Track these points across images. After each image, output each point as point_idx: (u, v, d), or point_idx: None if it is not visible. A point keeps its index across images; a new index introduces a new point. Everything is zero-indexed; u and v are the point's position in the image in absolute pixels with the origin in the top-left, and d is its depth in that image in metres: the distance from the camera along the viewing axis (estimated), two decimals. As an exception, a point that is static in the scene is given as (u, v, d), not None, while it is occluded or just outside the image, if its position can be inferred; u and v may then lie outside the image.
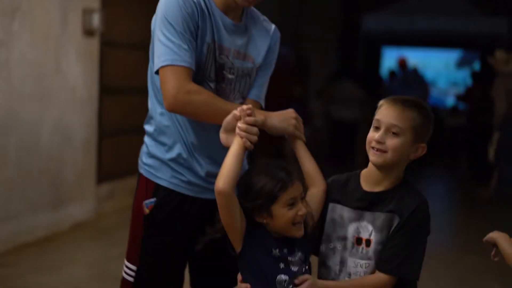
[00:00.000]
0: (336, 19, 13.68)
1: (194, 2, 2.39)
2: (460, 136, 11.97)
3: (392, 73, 13.47)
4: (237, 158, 2.14)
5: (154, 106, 2.52)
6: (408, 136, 2.22)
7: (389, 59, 15.95)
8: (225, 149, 2.22)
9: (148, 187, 2.50)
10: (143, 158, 2.56)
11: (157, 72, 2.38)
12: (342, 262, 2.29)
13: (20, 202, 5.50)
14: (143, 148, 2.58)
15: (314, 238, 2.32)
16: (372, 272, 2.25)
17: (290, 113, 2.40)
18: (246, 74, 2.54)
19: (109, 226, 6.45)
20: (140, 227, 2.51)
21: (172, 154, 2.47)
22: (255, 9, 2.63)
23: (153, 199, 2.48)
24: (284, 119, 2.36)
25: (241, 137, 2.16)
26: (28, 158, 5.57)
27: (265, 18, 2.66)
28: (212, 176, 2.38)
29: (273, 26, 2.66)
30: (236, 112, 2.19)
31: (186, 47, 2.34)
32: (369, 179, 2.31)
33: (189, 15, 2.37)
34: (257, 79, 2.60)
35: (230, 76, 2.48)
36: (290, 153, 2.43)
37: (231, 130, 2.21)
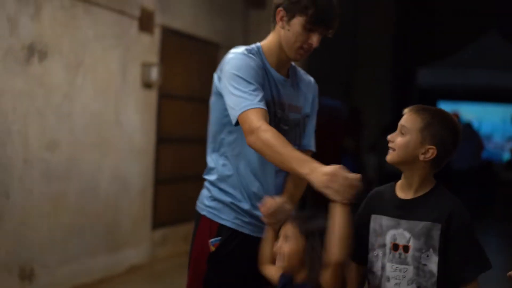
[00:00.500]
0: (390, 72, 13.87)
1: (256, 60, 2.66)
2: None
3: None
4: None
5: (216, 158, 2.76)
6: (414, 136, 2.40)
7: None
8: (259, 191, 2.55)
9: (212, 227, 2.71)
10: (205, 202, 2.76)
11: (236, 124, 2.56)
12: (383, 267, 2.46)
13: (78, 246, 5.79)
14: (204, 193, 2.79)
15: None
16: (410, 278, 2.40)
17: (334, 173, 2.27)
18: (296, 125, 2.78)
19: (163, 270, 6.69)
20: (203, 264, 2.70)
21: (234, 200, 2.71)
22: (295, 64, 2.87)
23: (218, 238, 2.69)
24: (323, 180, 2.27)
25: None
26: (87, 203, 5.88)
27: (304, 71, 2.91)
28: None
29: (311, 78, 2.91)
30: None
31: (256, 92, 2.54)
32: (402, 187, 2.49)
33: (257, 67, 2.63)
34: (307, 129, 2.85)
35: (285, 127, 2.71)
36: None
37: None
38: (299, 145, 2.80)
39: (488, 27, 13.70)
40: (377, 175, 11.97)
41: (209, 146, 2.80)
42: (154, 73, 6.58)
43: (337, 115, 11.84)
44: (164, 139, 7.05)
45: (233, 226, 2.70)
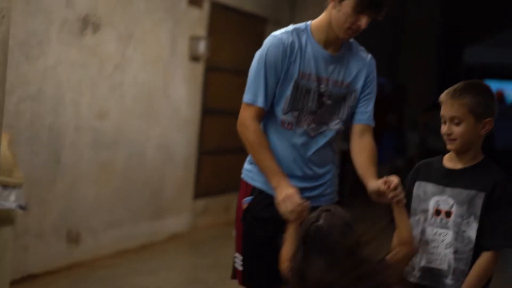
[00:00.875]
0: (436, 49, 13.80)
1: (284, 44, 2.86)
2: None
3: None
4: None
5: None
6: (469, 120, 2.57)
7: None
8: (306, 169, 2.89)
9: (247, 188, 2.97)
10: (245, 165, 3.03)
11: None
12: (423, 231, 2.64)
13: (123, 212, 6.02)
14: (247, 158, 3.04)
15: None
16: (449, 242, 2.58)
17: (288, 197, 2.75)
18: (341, 99, 2.94)
19: (203, 239, 6.90)
20: (239, 221, 2.97)
21: None
22: (353, 40, 3.01)
23: (250, 197, 2.94)
24: (280, 198, 2.76)
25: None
26: (133, 171, 6.09)
27: (362, 47, 3.05)
28: (302, 189, 2.85)
29: (369, 55, 3.04)
30: None
31: (263, 88, 2.87)
32: (450, 159, 2.69)
33: (279, 55, 2.86)
34: (362, 104, 2.99)
35: (328, 101, 2.91)
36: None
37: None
38: (343, 120, 2.95)
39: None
40: (418, 153, 12.01)
41: None
42: (202, 47, 6.73)
43: (381, 91, 11.89)
44: (209, 111, 7.21)
45: (263, 188, 2.92)
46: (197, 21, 6.79)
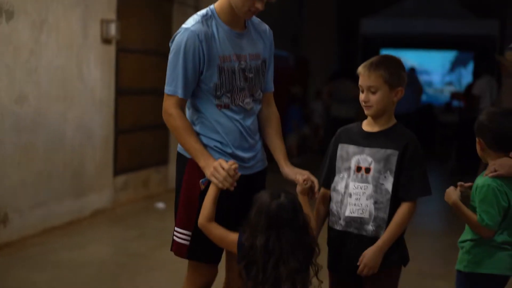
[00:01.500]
0: (334, 22, 14.40)
1: (199, 36, 2.99)
2: (452, 131, 12.62)
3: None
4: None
5: (193, 112, 3.15)
6: (384, 89, 2.97)
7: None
8: (249, 139, 3.12)
9: (200, 169, 3.02)
10: None
11: None
12: (346, 186, 3.04)
13: (47, 191, 6.26)
14: None
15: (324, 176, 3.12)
16: (369, 194, 2.98)
17: (216, 167, 2.90)
18: (258, 70, 3.17)
19: (125, 213, 7.21)
20: (195, 202, 3.05)
21: (218, 144, 3.09)
22: None
23: (206, 178, 3.00)
24: (209, 168, 2.93)
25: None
26: (54, 152, 6.33)
27: (259, 20, 3.26)
28: (249, 159, 3.13)
29: (267, 26, 3.28)
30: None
31: (182, 79, 3.02)
32: (368, 123, 3.09)
33: (195, 47, 2.99)
34: (269, 72, 3.26)
35: (250, 75, 3.12)
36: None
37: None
38: (262, 88, 3.21)
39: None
40: (323, 121, 12.58)
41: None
42: (113, 29, 6.98)
43: (284, 65, 12.37)
44: (124, 91, 7.48)
45: None
46: (107, 5, 7.03)
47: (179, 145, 3.19)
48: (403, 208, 2.97)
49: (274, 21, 11.80)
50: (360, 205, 3.00)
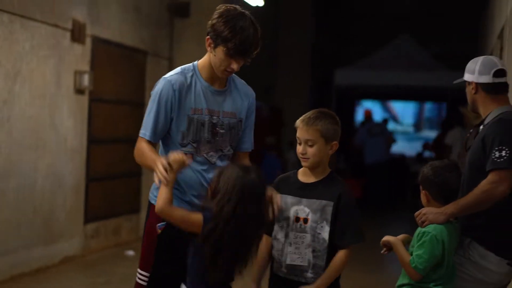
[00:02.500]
0: (309, 73, 14.71)
1: (173, 85, 3.22)
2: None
3: (363, 124, 14.43)
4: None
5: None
6: (320, 142, 3.19)
7: (361, 111, 16.98)
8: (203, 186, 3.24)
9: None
10: (154, 192, 3.29)
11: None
12: (286, 235, 3.22)
13: (16, 239, 6.35)
14: (154, 185, 3.30)
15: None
16: (308, 243, 3.16)
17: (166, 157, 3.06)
18: (232, 128, 3.35)
19: (95, 260, 7.30)
20: (154, 243, 3.25)
21: (177, 192, 3.21)
22: (235, 76, 3.43)
23: (164, 223, 3.18)
24: (160, 162, 3.03)
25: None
26: (24, 200, 6.44)
27: (243, 81, 3.49)
28: None
29: (250, 89, 3.48)
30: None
31: (153, 124, 3.23)
32: (304, 174, 3.28)
33: (169, 96, 3.22)
34: (245, 134, 3.43)
35: (221, 131, 3.31)
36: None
37: None
38: (234, 146, 3.37)
39: (400, 30, 14.61)
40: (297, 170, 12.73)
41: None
42: (86, 80, 7.17)
43: (259, 115, 12.59)
44: (95, 140, 7.64)
45: None
46: (80, 56, 7.24)
47: (149, 193, 3.36)
48: (340, 255, 3.17)
49: (246, 71, 12.10)
50: (300, 253, 3.19)
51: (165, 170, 2.98)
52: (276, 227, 3.25)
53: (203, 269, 2.94)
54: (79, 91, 7.23)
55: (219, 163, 3.31)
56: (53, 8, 6.70)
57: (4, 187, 6.15)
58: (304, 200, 3.20)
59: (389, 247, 3.33)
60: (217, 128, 3.29)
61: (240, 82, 3.46)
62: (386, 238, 3.33)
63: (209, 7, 9.04)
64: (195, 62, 3.33)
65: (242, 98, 3.39)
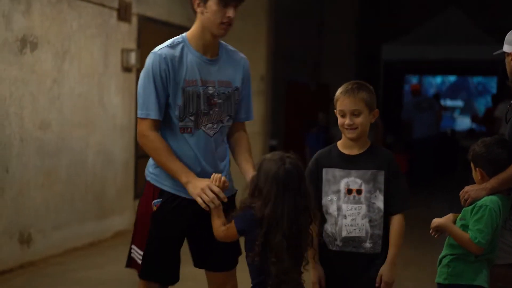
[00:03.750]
0: (355, 48, 14.62)
1: (166, 58, 3.12)
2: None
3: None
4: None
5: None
6: (366, 112, 3.18)
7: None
8: (213, 163, 3.22)
9: (155, 191, 3.20)
10: (150, 169, 3.26)
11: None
12: (339, 208, 3.21)
13: (69, 213, 6.54)
14: (150, 162, 3.27)
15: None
16: (364, 214, 3.16)
17: (203, 189, 2.99)
18: (228, 97, 3.26)
19: (145, 235, 7.44)
20: (147, 220, 3.20)
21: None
22: (226, 44, 3.35)
23: (159, 200, 3.18)
24: (196, 192, 3.01)
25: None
26: (76, 176, 6.61)
27: (235, 49, 3.37)
28: None
29: (243, 56, 3.38)
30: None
31: (156, 101, 3.11)
32: (346, 147, 3.24)
33: (161, 69, 3.11)
34: (243, 103, 3.36)
35: (219, 101, 3.22)
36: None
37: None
38: (232, 116, 3.28)
39: (448, 2, 14.37)
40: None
41: None
42: (133, 58, 7.29)
43: (306, 91, 12.61)
44: (143, 117, 7.75)
45: (171, 191, 3.18)
46: (127, 34, 7.36)
47: (145, 169, 3.31)
48: (399, 220, 3.19)
49: (294, 49, 12.11)
50: (356, 225, 3.17)
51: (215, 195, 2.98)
52: (325, 201, 3.23)
53: (265, 269, 2.91)
54: (126, 69, 7.35)
55: (218, 136, 3.27)
56: (99, -12, 6.83)
57: (56, 163, 6.32)
58: (354, 172, 3.19)
59: (440, 230, 3.31)
60: (214, 99, 3.21)
61: (232, 50, 3.36)
62: (436, 222, 3.31)
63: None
64: (184, 34, 3.23)
65: (236, 66, 3.32)
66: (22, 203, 5.90)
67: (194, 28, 3.21)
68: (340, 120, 3.19)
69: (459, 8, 14.22)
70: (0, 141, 5.63)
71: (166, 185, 3.20)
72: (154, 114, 3.12)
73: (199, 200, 3.02)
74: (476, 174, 3.30)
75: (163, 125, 3.20)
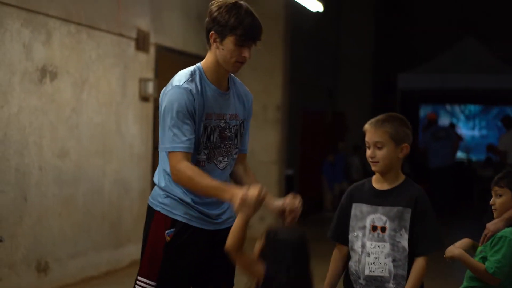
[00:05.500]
0: (371, 77, 14.67)
1: (191, 92, 3.09)
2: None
3: (426, 128, 14.27)
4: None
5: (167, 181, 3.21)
6: (390, 145, 3.09)
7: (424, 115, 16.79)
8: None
9: (167, 221, 3.16)
10: (159, 199, 3.21)
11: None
12: (363, 245, 3.12)
13: (86, 242, 6.55)
14: (157, 191, 3.24)
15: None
16: (387, 253, 3.05)
17: (243, 198, 2.88)
18: (236, 130, 3.26)
19: (161, 264, 7.43)
20: (159, 253, 3.16)
21: (181, 195, 3.16)
22: (233, 76, 3.33)
23: (172, 229, 3.14)
24: (242, 205, 2.89)
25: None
26: (93, 204, 6.64)
27: (240, 81, 3.39)
28: (217, 215, 3.22)
29: (247, 89, 3.39)
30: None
31: (184, 134, 3.06)
32: (377, 181, 3.17)
33: (192, 99, 3.08)
34: (245, 135, 3.34)
35: (229, 134, 3.23)
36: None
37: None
38: (238, 147, 3.29)
39: (464, 32, 14.39)
40: (360, 175, 12.71)
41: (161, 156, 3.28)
42: (150, 87, 7.35)
43: (322, 120, 12.63)
44: (160, 146, 7.80)
45: (184, 221, 3.15)
46: (144, 64, 7.43)
47: (149, 197, 3.30)
48: (421, 263, 3.05)
49: (309, 77, 12.16)
50: (379, 264, 3.07)
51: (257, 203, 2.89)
52: (351, 237, 3.16)
53: None
54: (144, 98, 7.41)
55: (227, 169, 3.27)
56: (118, 18, 6.90)
57: (74, 192, 6.35)
58: (380, 208, 3.10)
59: (455, 259, 3.28)
60: (225, 132, 3.21)
61: (239, 82, 3.38)
62: (450, 253, 3.28)
63: (273, 13, 9.18)
64: (198, 65, 3.20)
65: (243, 99, 3.34)
66: (40, 232, 5.93)
67: (209, 60, 3.20)
68: (367, 151, 3.14)
69: (476, 37, 14.24)
70: (19, 170, 5.67)
71: (178, 215, 3.17)
72: (185, 147, 3.08)
73: (245, 211, 2.90)
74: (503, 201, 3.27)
75: None
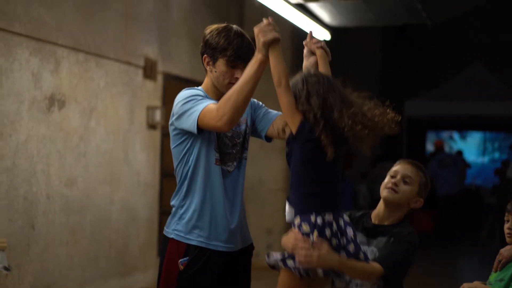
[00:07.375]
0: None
1: (202, 91, 3.22)
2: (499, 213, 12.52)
3: (433, 155, 14.25)
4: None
5: (184, 194, 3.28)
6: (415, 188, 3.12)
7: (432, 142, 16.78)
8: (232, 219, 3.19)
9: (180, 248, 3.15)
10: (172, 226, 3.23)
11: (199, 130, 3.07)
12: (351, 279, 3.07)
13: (93, 270, 6.53)
14: (170, 219, 3.27)
15: None
16: (374, 282, 3.03)
17: (257, 28, 2.90)
18: (245, 133, 3.31)
19: (168, 292, 7.40)
20: (173, 280, 3.14)
21: (198, 223, 3.17)
22: None
23: (186, 258, 3.13)
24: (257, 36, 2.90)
25: None
26: (100, 233, 6.63)
27: None
28: (230, 237, 3.20)
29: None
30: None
31: (203, 99, 3.09)
32: (377, 216, 3.18)
33: (204, 95, 3.17)
34: (268, 115, 3.34)
35: (238, 140, 3.28)
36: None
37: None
38: (247, 148, 3.32)
39: (472, 59, 14.40)
40: (367, 203, 12.67)
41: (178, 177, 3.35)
42: (158, 115, 7.37)
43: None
44: (168, 174, 7.80)
45: (199, 244, 3.14)
46: (152, 92, 7.46)
47: (166, 227, 3.28)
48: (377, 266, 2.91)
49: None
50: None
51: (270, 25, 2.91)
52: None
53: None
54: (152, 126, 7.43)
55: (236, 171, 3.25)
56: (125, 47, 6.95)
57: (81, 220, 6.35)
58: (373, 241, 3.11)
59: None
60: (235, 139, 3.25)
61: None
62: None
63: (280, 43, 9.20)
64: (199, 87, 3.26)
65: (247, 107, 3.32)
66: (47, 260, 5.91)
67: (206, 82, 3.27)
68: (387, 179, 3.13)
69: (483, 64, 14.24)
70: (27, 198, 5.67)
71: (192, 239, 3.15)
72: (209, 104, 3.05)
73: (260, 38, 2.88)
74: None
75: (202, 155, 3.18)
